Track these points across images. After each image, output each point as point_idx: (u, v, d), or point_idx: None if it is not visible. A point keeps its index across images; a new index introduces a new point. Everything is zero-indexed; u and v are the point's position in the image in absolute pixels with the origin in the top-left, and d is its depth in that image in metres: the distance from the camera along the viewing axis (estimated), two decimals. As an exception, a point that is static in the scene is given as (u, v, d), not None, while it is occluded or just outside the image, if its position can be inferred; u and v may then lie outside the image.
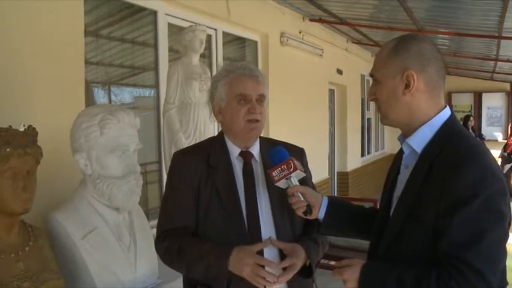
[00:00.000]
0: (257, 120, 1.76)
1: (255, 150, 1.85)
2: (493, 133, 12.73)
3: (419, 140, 1.44)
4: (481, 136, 11.24)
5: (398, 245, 1.42)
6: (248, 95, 1.75)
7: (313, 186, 1.89)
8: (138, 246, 2.27)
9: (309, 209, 1.67)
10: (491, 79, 11.90)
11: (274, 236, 1.74)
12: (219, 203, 1.74)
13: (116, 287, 2.14)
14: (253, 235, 1.72)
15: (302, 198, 1.66)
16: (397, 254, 1.42)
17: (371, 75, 1.52)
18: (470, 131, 10.13)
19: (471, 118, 10.77)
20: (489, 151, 1.40)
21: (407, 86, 1.42)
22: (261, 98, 1.79)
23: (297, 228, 1.83)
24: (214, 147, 1.84)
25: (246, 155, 1.83)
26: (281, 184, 1.68)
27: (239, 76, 1.78)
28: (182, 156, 1.87)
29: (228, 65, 1.85)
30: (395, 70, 1.43)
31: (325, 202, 1.71)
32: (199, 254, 1.68)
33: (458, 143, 1.39)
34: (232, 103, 1.77)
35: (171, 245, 1.76)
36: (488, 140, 11.25)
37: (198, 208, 1.76)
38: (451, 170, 1.31)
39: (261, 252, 1.69)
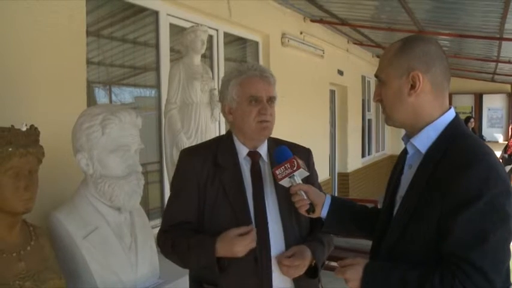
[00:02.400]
0: (267, 121, 1.78)
1: (263, 150, 1.86)
2: (494, 134, 12.74)
3: (424, 140, 1.44)
4: (481, 137, 11.24)
5: (401, 245, 1.42)
6: (259, 97, 1.76)
7: (319, 186, 1.90)
8: (139, 246, 2.27)
9: (311, 208, 1.67)
10: (492, 80, 11.89)
11: (281, 236, 1.76)
12: (227, 202, 1.75)
13: (117, 287, 2.14)
14: (261, 235, 1.73)
15: (305, 197, 1.67)
16: (399, 253, 1.42)
17: (376, 76, 1.52)
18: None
19: (471, 120, 10.77)
20: (493, 152, 1.40)
21: (412, 86, 1.42)
22: (272, 100, 1.80)
23: (304, 229, 1.84)
24: (221, 146, 1.85)
25: (254, 155, 1.84)
26: (284, 182, 1.69)
27: (251, 77, 1.78)
28: (189, 154, 1.89)
29: (240, 65, 1.86)
30: (401, 71, 1.43)
31: (328, 201, 1.71)
32: (187, 248, 1.73)
33: (463, 143, 1.39)
34: (244, 104, 1.78)
35: (167, 240, 1.81)
36: (488, 142, 11.24)
37: (204, 206, 1.77)
38: (455, 170, 1.31)
39: (268, 252, 1.72)
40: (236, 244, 1.64)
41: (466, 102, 12.85)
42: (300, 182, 1.68)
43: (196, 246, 1.71)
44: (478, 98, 12.95)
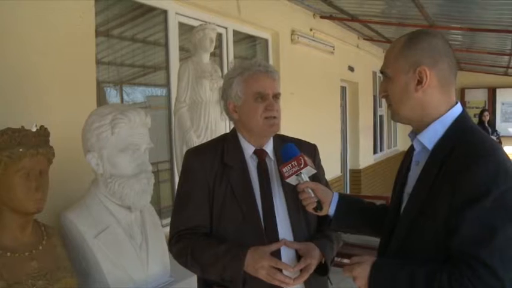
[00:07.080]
0: (274, 117, 1.76)
1: (269, 147, 1.84)
2: (508, 129, 12.56)
3: (431, 136, 1.43)
4: (495, 132, 11.06)
5: (409, 242, 1.41)
6: (266, 94, 1.75)
7: (326, 183, 1.88)
8: (150, 245, 2.28)
9: (319, 205, 1.65)
10: (506, 74, 11.74)
11: (290, 234, 1.74)
12: (235, 201, 1.73)
13: (128, 286, 2.15)
14: (270, 234, 1.71)
15: (312, 194, 1.65)
16: (407, 251, 1.41)
17: (382, 71, 1.50)
18: (486, 125, 9.97)
19: (485, 113, 10.56)
20: (502, 148, 1.38)
21: (419, 82, 1.41)
22: (277, 96, 1.79)
23: (312, 226, 1.82)
24: (227, 145, 1.83)
25: (260, 153, 1.81)
26: (291, 180, 1.67)
27: (255, 73, 1.76)
28: (195, 154, 1.86)
29: (243, 63, 1.83)
30: (407, 66, 1.42)
31: (335, 198, 1.70)
32: (214, 257, 1.67)
33: (470, 139, 1.37)
34: (249, 101, 1.75)
35: (185, 247, 1.75)
36: (502, 136, 11.07)
37: (212, 206, 1.75)
38: (463, 166, 1.29)
39: (277, 252, 1.68)
40: (265, 259, 1.59)
41: (479, 97, 12.71)
42: (307, 179, 1.66)
43: (223, 258, 1.65)
44: (492, 92, 12.80)
